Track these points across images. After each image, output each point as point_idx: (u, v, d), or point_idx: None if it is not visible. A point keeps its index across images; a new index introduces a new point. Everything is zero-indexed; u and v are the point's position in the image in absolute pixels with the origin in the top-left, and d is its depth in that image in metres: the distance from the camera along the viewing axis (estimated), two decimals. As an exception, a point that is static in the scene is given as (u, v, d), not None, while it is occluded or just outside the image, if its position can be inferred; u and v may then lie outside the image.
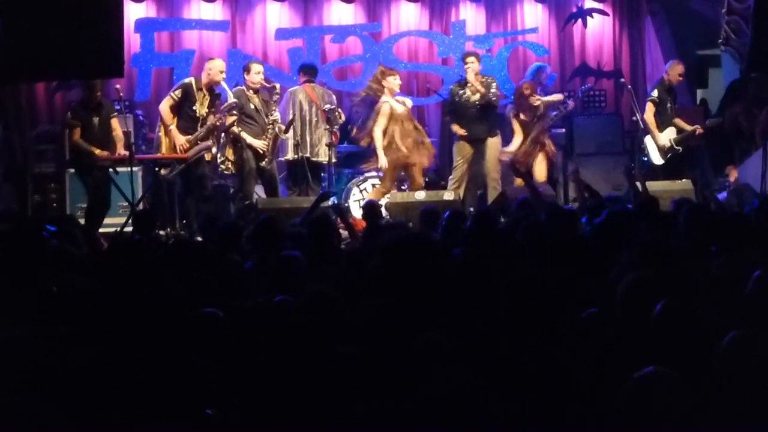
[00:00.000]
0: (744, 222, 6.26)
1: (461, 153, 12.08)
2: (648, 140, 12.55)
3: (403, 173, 11.93)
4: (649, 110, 12.51)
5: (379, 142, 11.49)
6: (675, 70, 12.65)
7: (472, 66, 12.04)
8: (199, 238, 8.53)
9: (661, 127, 12.45)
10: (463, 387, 2.63)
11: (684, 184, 11.65)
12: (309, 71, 12.31)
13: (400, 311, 3.88)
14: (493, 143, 12.05)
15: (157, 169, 11.19)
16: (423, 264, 4.53)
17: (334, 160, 11.84)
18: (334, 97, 12.30)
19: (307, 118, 11.87)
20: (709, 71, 15.18)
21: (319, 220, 7.00)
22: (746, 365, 3.41)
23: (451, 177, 12.16)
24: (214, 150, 11.05)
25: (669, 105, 12.54)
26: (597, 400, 3.33)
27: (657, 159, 12.51)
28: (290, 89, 12.00)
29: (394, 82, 11.73)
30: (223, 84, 11.18)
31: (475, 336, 3.69)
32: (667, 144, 12.41)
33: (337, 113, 11.87)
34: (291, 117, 11.72)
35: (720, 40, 12.68)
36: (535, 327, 3.69)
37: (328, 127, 11.73)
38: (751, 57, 11.44)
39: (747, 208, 8.62)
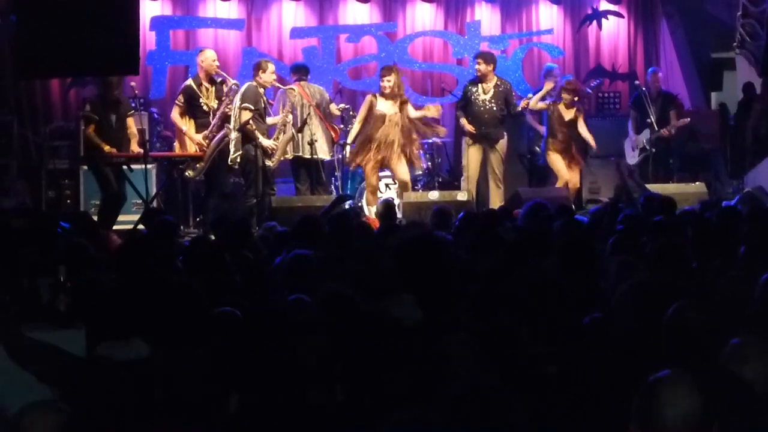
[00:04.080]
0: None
1: (470, 152, 11.93)
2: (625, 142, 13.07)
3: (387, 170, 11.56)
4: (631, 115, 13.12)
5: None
6: (650, 78, 13.17)
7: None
8: (212, 237, 8.49)
9: (641, 128, 12.76)
10: (485, 388, 2.63)
11: (698, 187, 11.63)
12: (299, 70, 12.13)
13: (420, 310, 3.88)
14: (501, 143, 11.96)
15: (182, 171, 11.08)
16: (437, 263, 4.51)
17: (342, 157, 11.77)
18: (327, 95, 12.09)
19: (299, 116, 11.74)
20: (723, 74, 15.15)
21: (338, 218, 6.93)
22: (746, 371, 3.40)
23: (463, 178, 12.02)
24: (232, 136, 10.97)
25: (652, 109, 12.53)
26: (612, 403, 3.33)
27: (631, 158, 12.93)
28: (282, 88, 11.82)
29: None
30: (220, 72, 11.14)
31: (492, 337, 3.69)
32: (640, 144, 12.67)
33: (351, 112, 11.82)
34: (285, 114, 11.50)
35: (735, 43, 12.64)
36: (551, 329, 3.69)
37: (342, 126, 11.67)
38: (766, 60, 11.43)
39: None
